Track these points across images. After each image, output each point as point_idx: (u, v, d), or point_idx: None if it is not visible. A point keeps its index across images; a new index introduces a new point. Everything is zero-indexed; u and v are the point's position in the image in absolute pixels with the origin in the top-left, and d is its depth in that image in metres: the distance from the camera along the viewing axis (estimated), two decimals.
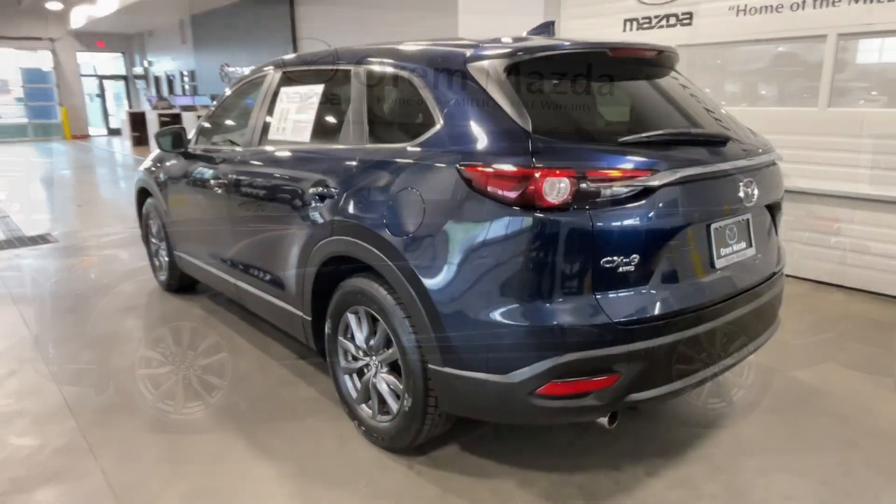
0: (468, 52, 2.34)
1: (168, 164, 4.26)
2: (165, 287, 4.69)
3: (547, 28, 3.02)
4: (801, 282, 4.76)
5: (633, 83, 2.64)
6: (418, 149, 2.36)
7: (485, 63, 2.27)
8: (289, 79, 3.29)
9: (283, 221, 2.96)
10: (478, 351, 2.12)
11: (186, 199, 4.01)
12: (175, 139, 3.98)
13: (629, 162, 2.08)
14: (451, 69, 2.34)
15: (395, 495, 2.34)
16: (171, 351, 3.68)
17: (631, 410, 2.82)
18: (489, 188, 2.07)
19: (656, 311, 2.10)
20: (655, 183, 2.07)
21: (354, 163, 2.61)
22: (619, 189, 2.03)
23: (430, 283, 2.20)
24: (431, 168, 2.27)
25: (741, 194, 2.36)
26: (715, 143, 2.39)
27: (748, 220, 2.49)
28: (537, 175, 1.98)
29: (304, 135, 3.00)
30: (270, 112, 3.30)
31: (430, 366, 2.26)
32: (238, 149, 3.50)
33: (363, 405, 2.72)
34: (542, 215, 1.99)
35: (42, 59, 21.71)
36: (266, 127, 3.34)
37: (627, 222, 2.04)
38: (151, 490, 2.38)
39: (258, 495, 2.35)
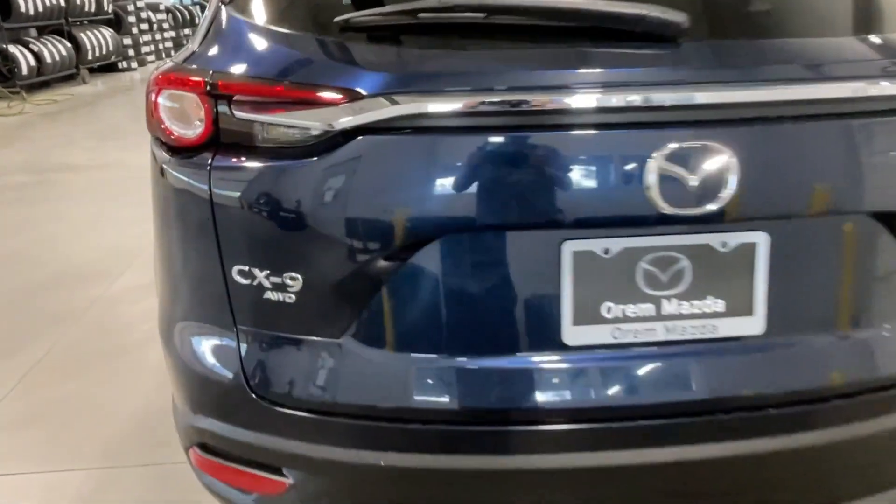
0: None
1: None
2: None
3: None
4: None
5: None
6: None
7: None
8: None
9: None
10: None
11: None
12: None
13: (305, 70, 1.03)
14: None
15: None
16: None
17: None
18: None
19: (355, 398, 1.07)
20: (346, 122, 0.96)
21: None
22: (278, 126, 1.01)
23: None
24: None
25: (693, 181, 0.95)
26: (636, 38, 0.97)
27: (753, 246, 1.01)
28: (160, 82, 1.09)
29: None
30: None
31: None
32: None
33: None
34: (166, 162, 1.11)
35: None
36: None
37: (277, 200, 1.02)
38: None
39: None
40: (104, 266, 3.56)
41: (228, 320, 1.12)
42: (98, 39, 12.07)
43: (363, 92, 0.96)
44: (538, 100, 0.94)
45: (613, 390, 1.06)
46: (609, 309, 1.03)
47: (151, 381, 2.48)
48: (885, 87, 0.98)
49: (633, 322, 1.04)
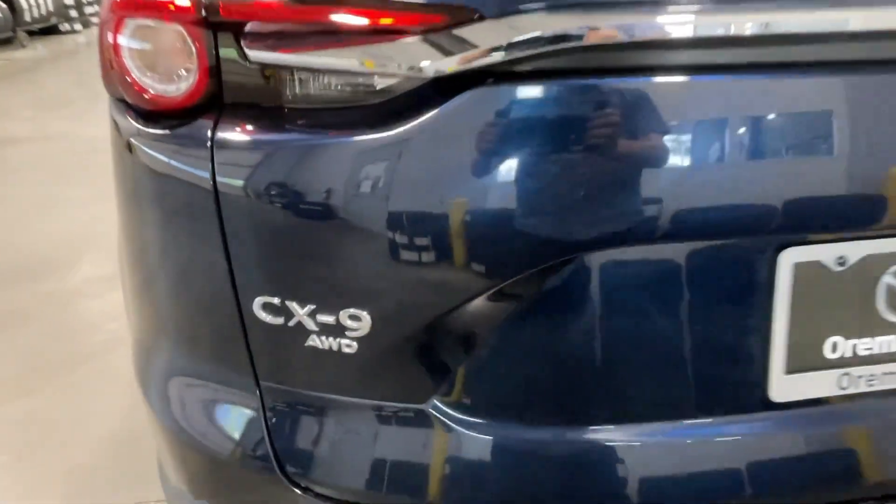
0: None
1: None
2: None
3: None
4: None
5: None
6: None
7: None
8: None
9: None
10: None
11: None
12: None
13: None
14: None
15: None
16: None
17: None
18: None
19: (451, 489, 0.73)
20: (448, 64, 0.59)
21: None
22: (321, 75, 0.65)
23: None
24: None
25: None
26: None
27: None
28: (121, 8, 0.69)
29: None
30: None
31: None
32: None
33: None
34: (136, 135, 0.74)
35: None
36: None
37: (323, 197, 0.65)
38: None
39: None
40: (57, 255, 3.16)
41: (247, 378, 0.77)
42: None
43: (480, 11, 0.59)
44: (793, 20, 0.59)
45: (845, 466, 0.75)
46: (835, 346, 0.71)
47: (121, 393, 2.13)
48: None
49: (869, 364, 0.72)
